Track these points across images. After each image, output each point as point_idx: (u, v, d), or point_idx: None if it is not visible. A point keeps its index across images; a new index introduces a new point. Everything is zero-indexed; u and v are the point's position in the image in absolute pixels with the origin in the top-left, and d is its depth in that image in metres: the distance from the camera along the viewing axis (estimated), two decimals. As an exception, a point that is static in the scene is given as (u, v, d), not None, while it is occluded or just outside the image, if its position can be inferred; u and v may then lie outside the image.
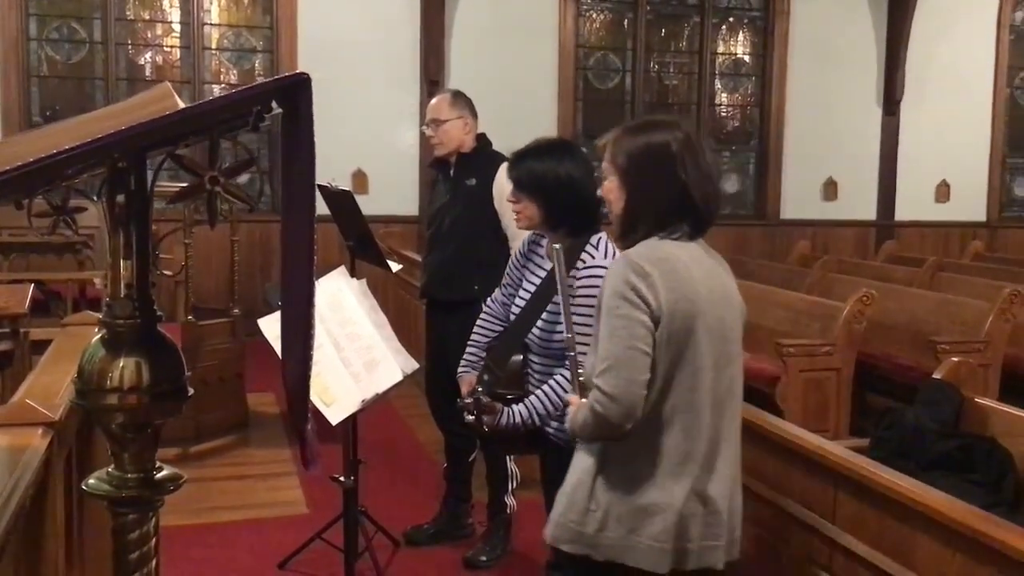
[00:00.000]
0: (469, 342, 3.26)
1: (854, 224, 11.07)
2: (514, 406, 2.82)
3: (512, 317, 3.05)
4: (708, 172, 2.35)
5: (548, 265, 2.96)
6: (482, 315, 3.30)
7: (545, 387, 2.84)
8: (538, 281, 2.97)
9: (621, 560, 2.28)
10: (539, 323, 2.89)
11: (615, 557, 2.28)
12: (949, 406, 3.34)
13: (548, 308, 2.88)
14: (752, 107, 10.96)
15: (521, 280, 3.10)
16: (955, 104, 11.21)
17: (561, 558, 2.42)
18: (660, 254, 2.27)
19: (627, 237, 2.36)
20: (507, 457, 4.24)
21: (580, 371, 2.42)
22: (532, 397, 2.84)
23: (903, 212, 11.21)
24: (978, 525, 2.32)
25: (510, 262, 3.22)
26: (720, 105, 10.94)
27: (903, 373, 5.78)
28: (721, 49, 10.84)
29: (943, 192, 11.38)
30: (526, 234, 4.08)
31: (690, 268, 2.27)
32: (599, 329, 2.29)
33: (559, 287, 2.55)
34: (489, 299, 3.33)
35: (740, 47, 10.92)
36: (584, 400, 2.30)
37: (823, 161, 10.88)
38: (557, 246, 2.58)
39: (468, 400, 2.79)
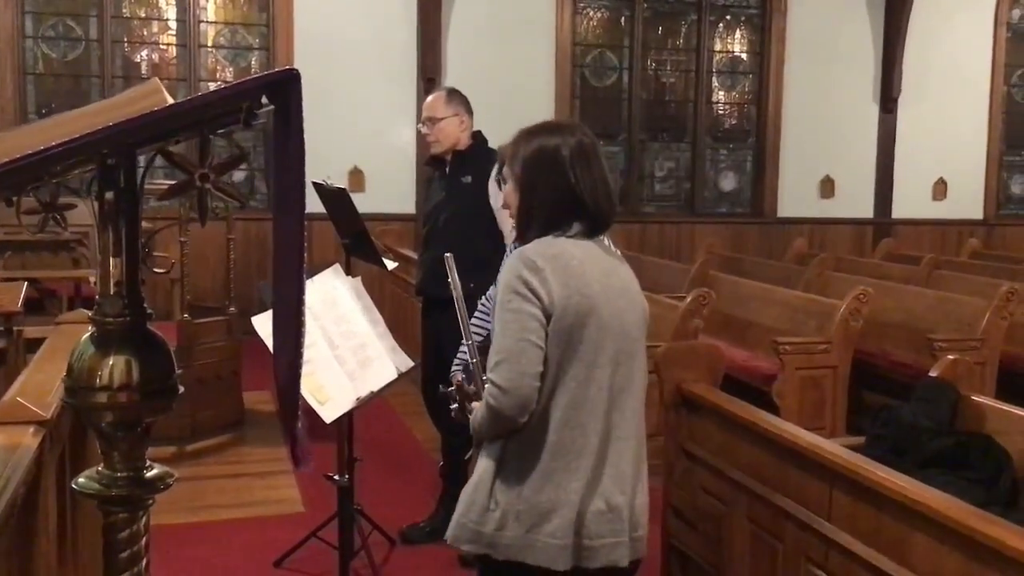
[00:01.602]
0: (463, 340, 3.23)
1: (851, 222, 11.07)
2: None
3: None
4: (602, 175, 2.40)
5: None
6: (477, 313, 3.28)
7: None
8: None
9: (521, 559, 2.28)
10: None
11: (515, 556, 2.29)
12: (945, 404, 3.34)
13: None
14: (749, 105, 10.95)
15: None
16: (952, 102, 11.21)
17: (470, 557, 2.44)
18: (554, 250, 2.30)
19: (523, 237, 2.41)
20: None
21: (485, 377, 2.44)
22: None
23: (900, 210, 11.21)
24: (974, 523, 2.31)
25: (504, 260, 3.20)
26: (717, 103, 10.93)
27: (900, 371, 5.78)
28: (718, 47, 10.83)
29: (940, 190, 11.38)
30: None
31: (584, 264, 2.30)
32: (494, 324, 2.33)
33: (454, 295, 2.62)
34: (484, 297, 3.32)
35: (737, 45, 10.91)
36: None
37: (820, 159, 10.88)
38: (449, 255, 2.66)
39: (451, 388, 2.80)
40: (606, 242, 2.45)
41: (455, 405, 2.78)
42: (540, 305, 2.24)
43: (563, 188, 2.35)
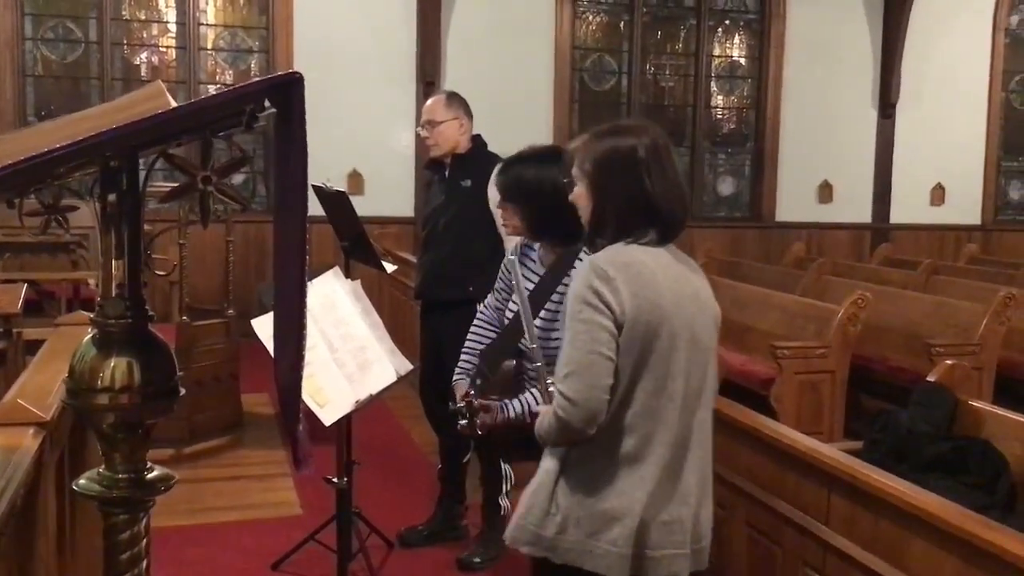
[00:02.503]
0: (464, 349, 3.21)
1: (849, 227, 11.08)
2: (508, 401, 2.81)
3: (506, 322, 3.03)
4: (675, 179, 2.34)
5: (540, 269, 2.95)
6: (476, 321, 3.27)
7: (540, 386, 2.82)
8: (531, 286, 2.94)
9: (579, 564, 2.26)
10: (534, 328, 2.86)
11: (573, 561, 2.26)
12: (943, 409, 3.34)
13: (542, 315, 2.85)
14: (748, 109, 10.97)
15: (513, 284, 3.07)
16: (950, 107, 11.23)
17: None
18: (625, 259, 2.24)
19: (594, 242, 2.35)
20: (501, 458, 4.24)
21: (548, 380, 2.41)
22: (526, 394, 2.82)
23: (898, 215, 11.22)
24: (972, 528, 2.32)
25: (502, 267, 3.19)
26: (716, 107, 10.94)
27: (897, 376, 5.79)
28: (717, 51, 10.85)
29: (938, 195, 11.40)
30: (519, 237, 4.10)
31: (656, 273, 2.24)
32: (563, 333, 2.28)
33: (518, 297, 2.54)
34: (482, 305, 3.31)
35: (736, 50, 10.92)
36: (548, 407, 2.30)
37: (818, 163, 10.90)
38: (513, 257, 2.58)
39: (460, 404, 2.77)
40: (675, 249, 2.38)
41: (464, 421, 2.76)
42: (611, 316, 2.18)
43: (637, 192, 2.28)
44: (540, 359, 2.47)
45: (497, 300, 3.19)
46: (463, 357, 3.19)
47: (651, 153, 2.29)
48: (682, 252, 2.39)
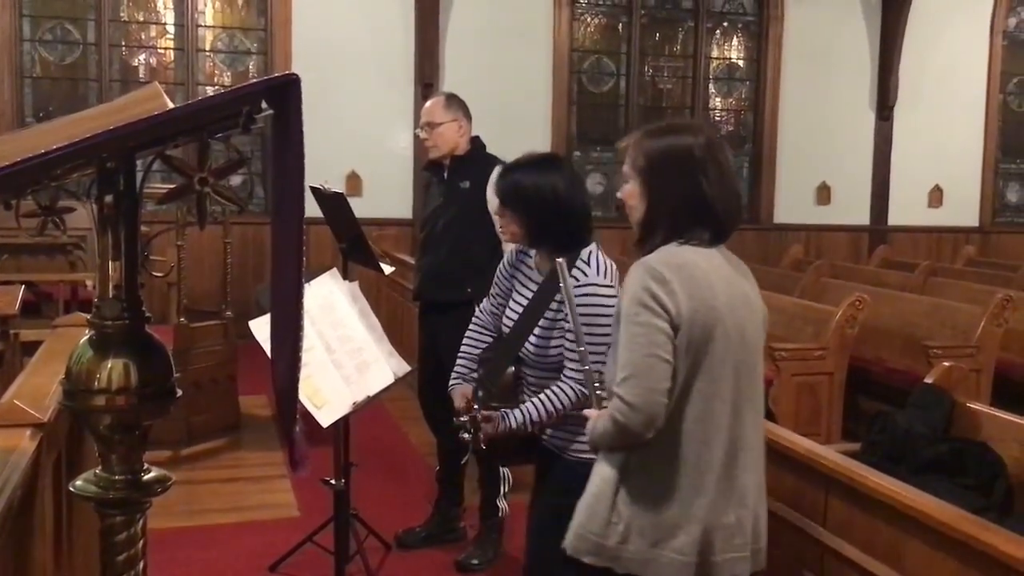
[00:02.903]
0: (460, 353, 3.19)
1: (847, 228, 11.09)
2: (510, 411, 2.79)
3: (504, 329, 3.01)
4: (731, 178, 2.31)
5: (537, 278, 2.92)
6: (471, 326, 3.25)
7: (542, 395, 2.81)
8: (528, 294, 2.92)
9: (643, 573, 2.23)
10: (533, 337, 2.85)
11: (637, 570, 2.24)
12: (940, 411, 3.35)
13: (541, 323, 2.84)
14: (746, 111, 10.98)
15: (510, 291, 3.04)
16: (948, 109, 11.24)
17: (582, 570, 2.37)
18: (679, 260, 2.22)
19: (646, 242, 2.30)
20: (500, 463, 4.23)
21: (596, 385, 2.40)
22: (528, 404, 2.80)
23: (896, 217, 11.23)
24: (969, 529, 2.32)
25: (497, 272, 3.16)
26: (714, 109, 10.95)
27: (895, 377, 5.79)
28: (715, 53, 10.85)
29: (936, 197, 11.41)
30: None
31: (709, 275, 2.22)
32: (618, 337, 2.24)
33: (567, 302, 2.51)
34: (478, 309, 3.29)
35: (734, 51, 10.93)
36: (602, 411, 2.27)
37: (816, 165, 10.91)
38: (561, 260, 2.53)
39: (464, 419, 2.76)
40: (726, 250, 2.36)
41: (468, 435, 2.74)
42: (668, 318, 2.16)
43: (694, 192, 2.25)
44: (588, 363, 2.46)
45: (493, 305, 3.15)
46: (459, 361, 3.17)
47: (708, 152, 2.27)
48: (732, 254, 2.37)
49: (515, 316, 2.93)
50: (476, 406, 2.79)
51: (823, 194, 11.00)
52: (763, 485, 2.36)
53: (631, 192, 2.32)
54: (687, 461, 2.21)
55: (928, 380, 3.48)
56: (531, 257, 3.00)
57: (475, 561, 4.18)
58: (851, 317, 5.50)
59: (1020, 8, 11.67)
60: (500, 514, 4.27)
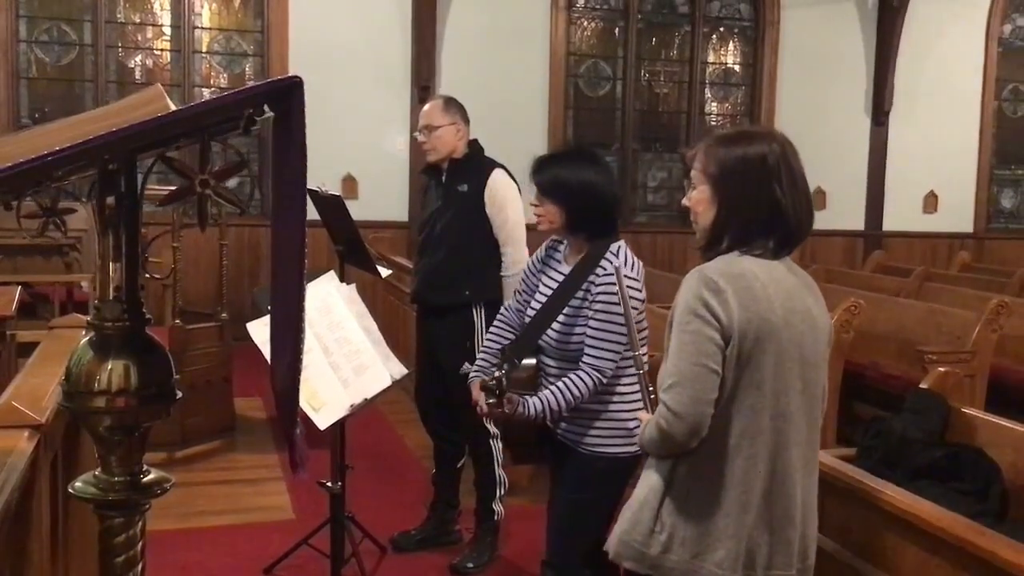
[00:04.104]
0: (482, 348, 3.30)
1: (842, 234, 11.10)
2: (529, 398, 2.86)
3: (527, 319, 3.09)
4: (804, 187, 2.29)
5: (565, 268, 3.02)
6: (496, 321, 3.33)
7: (560, 383, 2.87)
8: (555, 284, 3.01)
9: None
10: (555, 325, 2.94)
11: None
12: (936, 416, 3.35)
13: (565, 311, 2.93)
14: (742, 116, 10.99)
15: (537, 286, 3.14)
16: (943, 115, 11.27)
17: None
18: (736, 270, 2.19)
19: (711, 249, 2.28)
20: (496, 464, 4.24)
21: (650, 388, 2.41)
22: (546, 392, 2.88)
23: (891, 222, 11.26)
24: (964, 534, 2.33)
25: (526, 267, 3.25)
26: (710, 114, 10.96)
27: (890, 382, 5.79)
28: (711, 58, 10.87)
29: (931, 203, 11.43)
30: (522, 240, 4.13)
31: (767, 287, 2.18)
32: (669, 343, 2.23)
33: (623, 308, 2.60)
34: (503, 306, 3.36)
35: (730, 56, 10.95)
36: (651, 416, 2.27)
37: (812, 170, 10.55)
38: (618, 265, 2.65)
39: (491, 381, 2.78)
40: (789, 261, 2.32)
41: (493, 400, 2.77)
42: (719, 328, 2.14)
43: (767, 201, 2.21)
44: (643, 367, 2.50)
45: (519, 302, 3.25)
46: (481, 355, 3.28)
47: (782, 160, 2.25)
48: (798, 267, 2.33)
49: (540, 304, 3.03)
50: (503, 370, 2.82)
51: (818, 199, 11.00)
52: (814, 504, 2.32)
53: (700, 199, 2.28)
54: (734, 475, 2.19)
55: (923, 385, 3.49)
56: (560, 251, 3.10)
57: (470, 564, 4.18)
58: (846, 322, 5.50)
59: (1015, 15, 11.71)
60: (496, 517, 4.27)
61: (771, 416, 2.18)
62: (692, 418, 2.14)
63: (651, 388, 2.41)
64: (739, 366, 2.15)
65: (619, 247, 2.96)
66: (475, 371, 3.23)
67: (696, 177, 2.30)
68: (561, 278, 3.01)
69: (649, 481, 2.29)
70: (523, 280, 3.24)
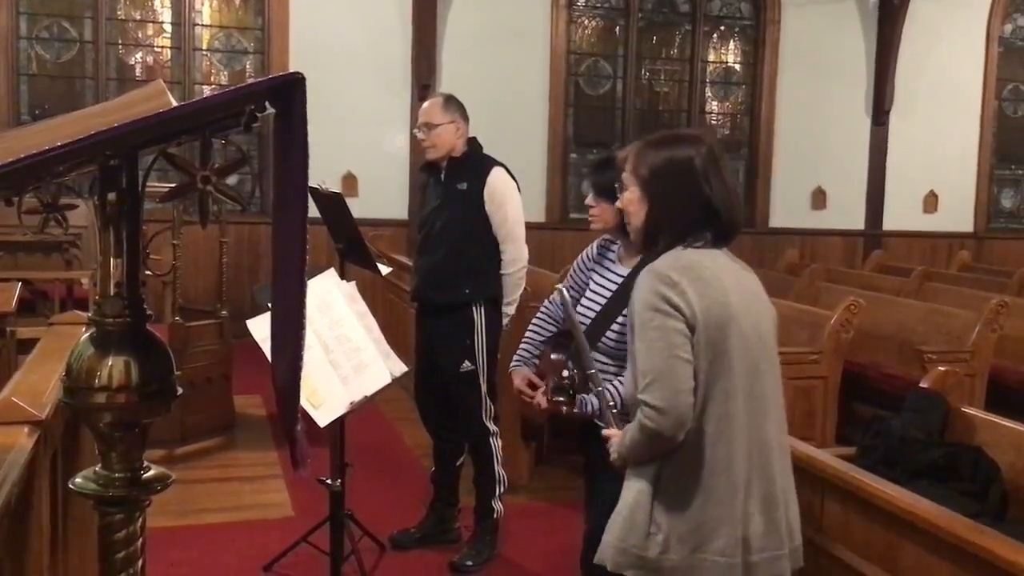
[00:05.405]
0: (524, 339, 3.28)
1: (842, 233, 11.11)
2: (584, 396, 2.83)
3: (580, 319, 3.06)
4: (731, 184, 2.37)
5: (620, 269, 3.01)
6: (539, 314, 3.32)
7: (616, 381, 2.84)
8: (609, 285, 3.00)
9: None
10: (615, 326, 2.91)
11: None
12: (936, 415, 3.35)
13: (624, 313, 2.90)
14: (742, 115, 11.00)
15: (587, 283, 3.12)
16: (944, 115, 11.27)
17: None
18: (684, 262, 2.26)
19: (648, 248, 2.38)
20: (495, 462, 4.24)
21: (611, 403, 2.45)
22: (603, 390, 2.85)
23: (891, 222, 11.26)
24: (964, 533, 2.33)
25: (576, 264, 3.23)
26: (710, 113, 10.97)
27: (890, 382, 5.80)
28: (712, 57, 10.87)
29: (931, 202, 11.44)
30: (521, 238, 4.14)
31: (717, 273, 2.26)
32: (634, 346, 2.26)
33: (572, 329, 2.61)
34: (547, 299, 3.35)
35: (731, 55, 10.95)
36: (627, 425, 2.29)
37: (812, 170, 10.93)
38: (562, 287, 2.65)
39: (566, 380, 2.77)
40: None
41: (563, 398, 2.74)
42: (683, 319, 2.19)
43: (697, 199, 2.31)
44: (601, 384, 2.53)
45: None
46: (522, 346, 3.27)
47: (709, 161, 2.32)
48: (736, 256, 2.40)
49: (591, 305, 3.01)
50: (569, 368, 2.81)
51: (819, 198, 11.02)
52: (792, 485, 2.37)
53: (631, 199, 2.38)
54: (718, 462, 2.22)
55: (923, 385, 3.49)
56: (613, 251, 3.09)
57: (469, 562, 4.18)
58: (846, 321, 5.50)
59: (1016, 15, 11.71)
60: (495, 515, 4.27)
61: (744, 399, 2.23)
62: (676, 410, 2.17)
63: (611, 403, 2.47)
64: (708, 352, 2.20)
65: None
66: (515, 361, 3.23)
67: (627, 179, 2.41)
68: (616, 278, 2.99)
69: (636, 486, 2.30)
70: (572, 275, 3.22)
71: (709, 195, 2.30)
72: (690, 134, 2.46)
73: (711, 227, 2.32)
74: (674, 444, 2.20)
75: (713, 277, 2.24)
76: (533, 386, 3.04)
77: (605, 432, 2.48)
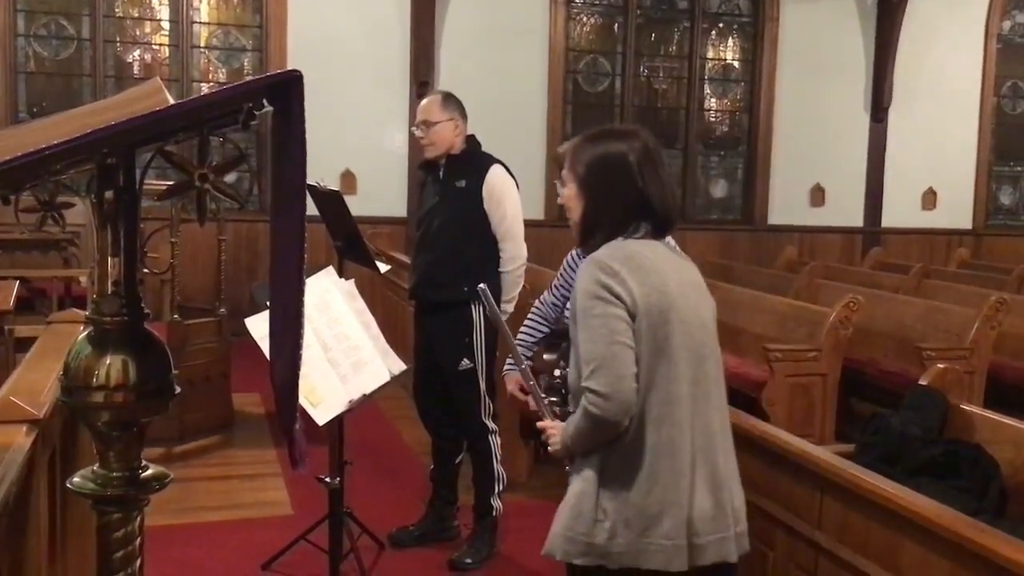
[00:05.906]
0: (516, 341, 3.26)
1: (841, 230, 11.11)
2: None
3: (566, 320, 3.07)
4: (667, 179, 2.43)
5: None
6: (530, 315, 3.33)
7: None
8: None
9: (636, 565, 2.25)
10: None
11: (629, 563, 2.26)
12: (935, 412, 3.35)
13: None
14: (741, 112, 10.99)
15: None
16: (942, 112, 11.27)
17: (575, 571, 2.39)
18: (625, 252, 2.31)
19: (586, 242, 2.43)
20: (494, 460, 4.24)
21: (543, 396, 2.49)
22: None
23: (890, 219, 11.26)
24: (963, 531, 2.32)
25: (565, 264, 3.24)
26: (709, 110, 10.96)
27: (889, 379, 5.80)
28: (711, 54, 10.87)
29: (930, 199, 11.44)
30: (520, 235, 4.13)
31: (657, 263, 2.32)
32: (576, 335, 2.30)
33: (497, 324, 2.65)
34: (538, 300, 3.35)
35: (729, 52, 10.95)
36: (572, 415, 2.32)
37: (811, 167, 10.93)
38: (483, 287, 2.65)
39: (557, 380, 2.78)
40: (671, 242, 2.49)
41: (556, 398, 2.74)
42: (624, 306, 2.24)
43: (631, 193, 2.36)
44: (532, 378, 2.55)
45: (555, 297, 3.27)
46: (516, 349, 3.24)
47: (643, 156, 2.38)
48: (676, 246, 2.49)
49: None
50: (561, 367, 2.81)
51: (817, 195, 11.02)
52: (736, 470, 2.42)
53: (569, 195, 2.46)
54: (661, 446, 2.26)
55: (922, 382, 3.49)
56: None
57: (469, 560, 4.18)
58: (845, 318, 5.51)
59: (1015, 11, 11.71)
60: (494, 513, 4.27)
61: (685, 384, 2.28)
62: (620, 395, 2.21)
63: (543, 395, 2.51)
64: (648, 339, 2.25)
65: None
66: (509, 365, 3.22)
67: (566, 175, 2.47)
68: None
69: (582, 475, 2.34)
70: (560, 275, 3.23)
71: (643, 189, 2.36)
72: (625, 130, 2.54)
73: (647, 219, 2.38)
74: (619, 430, 2.24)
75: (653, 267, 2.30)
76: (525, 390, 3.03)
77: (540, 424, 2.51)
